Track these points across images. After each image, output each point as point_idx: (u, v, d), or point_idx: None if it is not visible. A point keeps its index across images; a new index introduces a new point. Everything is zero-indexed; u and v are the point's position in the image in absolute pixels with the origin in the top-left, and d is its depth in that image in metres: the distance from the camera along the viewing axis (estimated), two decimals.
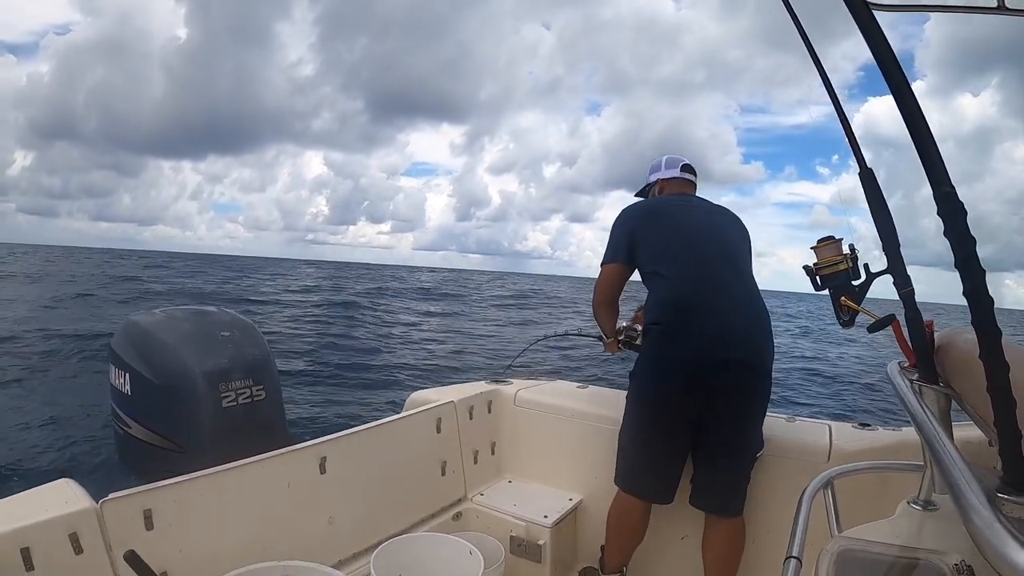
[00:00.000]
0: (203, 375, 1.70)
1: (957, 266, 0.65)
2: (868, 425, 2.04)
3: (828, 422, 2.09)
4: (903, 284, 1.02)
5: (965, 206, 0.65)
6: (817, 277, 1.21)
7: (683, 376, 1.83)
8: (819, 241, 1.21)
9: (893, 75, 0.68)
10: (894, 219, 1.01)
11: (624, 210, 2.17)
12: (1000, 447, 0.67)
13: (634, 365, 1.99)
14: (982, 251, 0.62)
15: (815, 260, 1.21)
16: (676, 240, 2.00)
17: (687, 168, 2.26)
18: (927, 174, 0.65)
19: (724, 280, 1.92)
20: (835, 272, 1.19)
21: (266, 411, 1.80)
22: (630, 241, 2.04)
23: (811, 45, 1.04)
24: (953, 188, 0.65)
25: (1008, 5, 1.19)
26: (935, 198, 0.65)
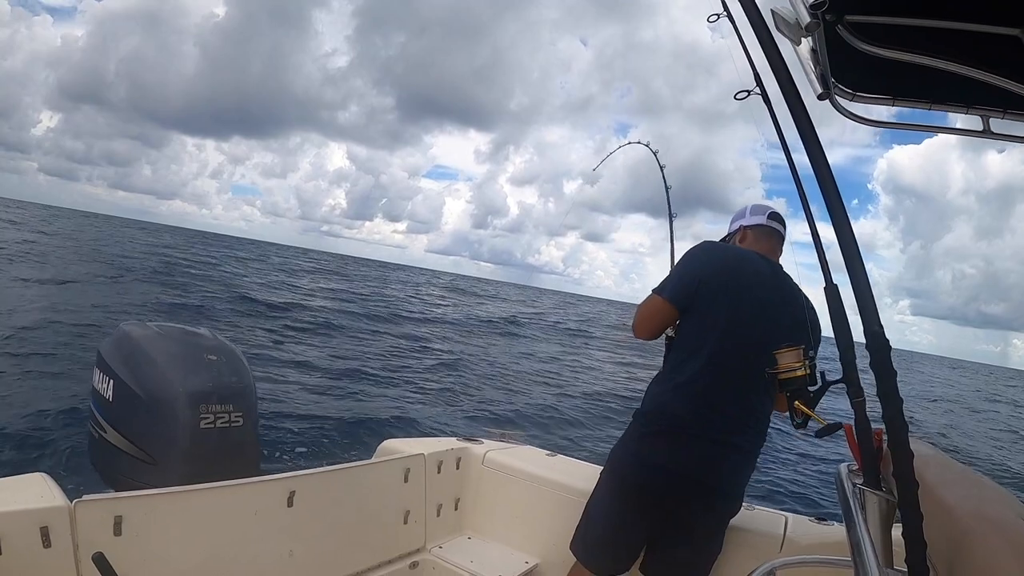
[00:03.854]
0: (186, 394, 1.76)
1: (879, 396, 0.73)
2: (825, 520, 2.06)
3: (785, 513, 2.11)
4: (855, 394, 1.10)
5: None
6: (777, 380, 1.28)
7: (665, 483, 1.78)
8: (781, 347, 1.29)
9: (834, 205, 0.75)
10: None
11: (706, 248, 1.91)
12: (907, 557, 0.72)
13: (619, 444, 1.91)
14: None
15: (777, 364, 1.29)
16: (732, 323, 1.78)
17: (775, 217, 1.99)
18: (860, 314, 0.74)
19: (739, 398, 1.78)
20: (792, 377, 1.26)
21: (241, 437, 1.84)
22: (695, 290, 1.81)
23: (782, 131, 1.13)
24: (881, 327, 0.74)
25: (993, 130, 1.31)
26: (864, 334, 0.74)
